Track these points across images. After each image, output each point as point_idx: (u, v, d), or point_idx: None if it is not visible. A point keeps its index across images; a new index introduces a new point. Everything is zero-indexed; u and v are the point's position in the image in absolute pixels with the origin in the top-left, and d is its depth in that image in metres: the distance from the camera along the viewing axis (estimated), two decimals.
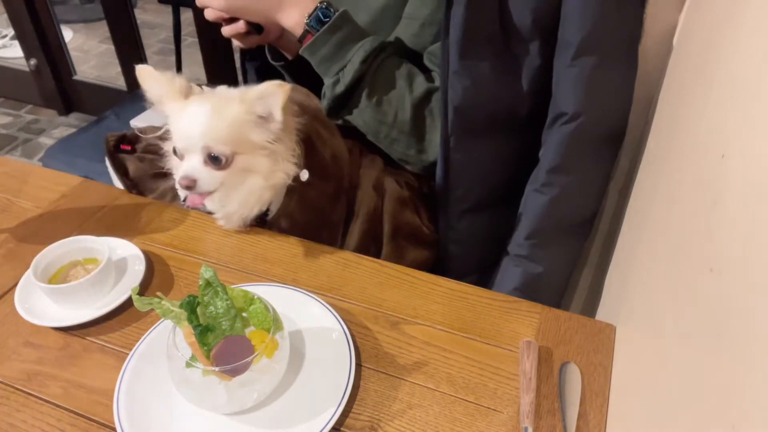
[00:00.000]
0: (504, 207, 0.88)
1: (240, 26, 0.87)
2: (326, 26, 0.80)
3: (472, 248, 0.93)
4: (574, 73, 0.76)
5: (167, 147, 0.77)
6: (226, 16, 0.85)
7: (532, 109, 0.83)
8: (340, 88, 0.82)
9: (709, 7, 0.64)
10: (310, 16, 0.81)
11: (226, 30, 0.88)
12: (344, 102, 0.85)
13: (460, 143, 0.82)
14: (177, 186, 0.73)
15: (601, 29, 0.74)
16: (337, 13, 0.81)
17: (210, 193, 0.73)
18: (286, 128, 0.73)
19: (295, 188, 0.79)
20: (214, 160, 0.70)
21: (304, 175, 0.79)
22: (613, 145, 0.81)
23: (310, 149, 0.80)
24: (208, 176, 0.71)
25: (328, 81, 0.84)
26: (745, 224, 0.37)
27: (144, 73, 0.72)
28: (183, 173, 0.71)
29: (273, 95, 0.69)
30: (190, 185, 0.70)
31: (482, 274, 0.92)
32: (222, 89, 0.75)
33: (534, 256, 0.83)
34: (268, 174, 0.74)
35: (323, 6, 0.81)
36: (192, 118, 0.70)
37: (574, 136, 0.77)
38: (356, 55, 0.81)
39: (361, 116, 0.85)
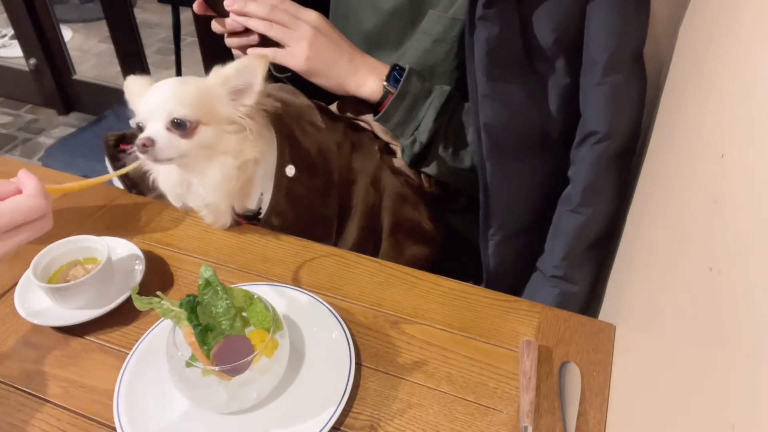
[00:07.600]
0: (539, 228, 0.87)
1: (253, 39, 0.84)
2: (394, 95, 0.81)
3: (508, 272, 0.91)
4: (605, 91, 0.75)
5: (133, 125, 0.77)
6: (239, 28, 0.83)
7: (563, 127, 0.82)
8: (417, 147, 0.85)
9: (709, 7, 0.64)
10: (388, 77, 0.83)
11: (233, 42, 0.86)
12: (423, 157, 0.87)
13: (497, 168, 0.81)
14: (135, 151, 0.72)
15: (624, 46, 0.74)
16: (402, 79, 0.82)
17: (169, 160, 0.72)
18: (259, 105, 0.75)
19: (282, 184, 0.79)
20: (177, 126, 0.70)
21: (290, 170, 0.79)
22: (631, 156, 0.81)
23: (294, 144, 0.80)
24: (167, 140, 0.70)
25: (405, 141, 0.86)
26: (745, 224, 0.37)
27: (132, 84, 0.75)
28: (142, 135, 0.71)
29: (253, 66, 0.72)
30: (147, 144, 0.70)
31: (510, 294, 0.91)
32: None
33: (571, 276, 0.82)
34: (237, 153, 0.75)
35: (396, 66, 0.83)
36: (157, 90, 0.73)
37: (607, 154, 0.77)
38: (428, 114, 0.82)
39: (438, 168, 0.87)
